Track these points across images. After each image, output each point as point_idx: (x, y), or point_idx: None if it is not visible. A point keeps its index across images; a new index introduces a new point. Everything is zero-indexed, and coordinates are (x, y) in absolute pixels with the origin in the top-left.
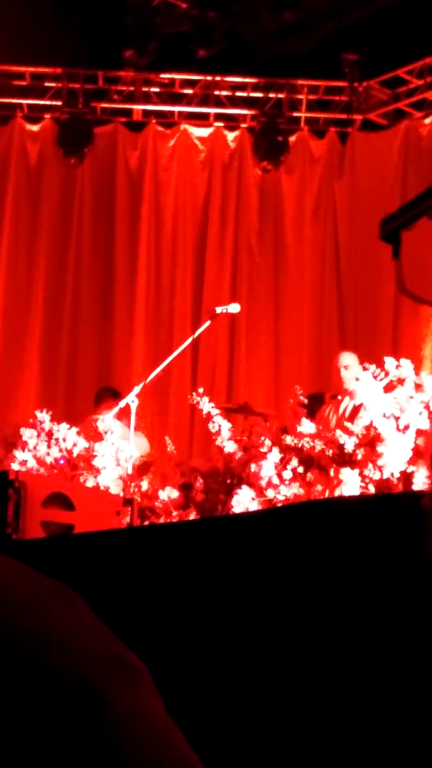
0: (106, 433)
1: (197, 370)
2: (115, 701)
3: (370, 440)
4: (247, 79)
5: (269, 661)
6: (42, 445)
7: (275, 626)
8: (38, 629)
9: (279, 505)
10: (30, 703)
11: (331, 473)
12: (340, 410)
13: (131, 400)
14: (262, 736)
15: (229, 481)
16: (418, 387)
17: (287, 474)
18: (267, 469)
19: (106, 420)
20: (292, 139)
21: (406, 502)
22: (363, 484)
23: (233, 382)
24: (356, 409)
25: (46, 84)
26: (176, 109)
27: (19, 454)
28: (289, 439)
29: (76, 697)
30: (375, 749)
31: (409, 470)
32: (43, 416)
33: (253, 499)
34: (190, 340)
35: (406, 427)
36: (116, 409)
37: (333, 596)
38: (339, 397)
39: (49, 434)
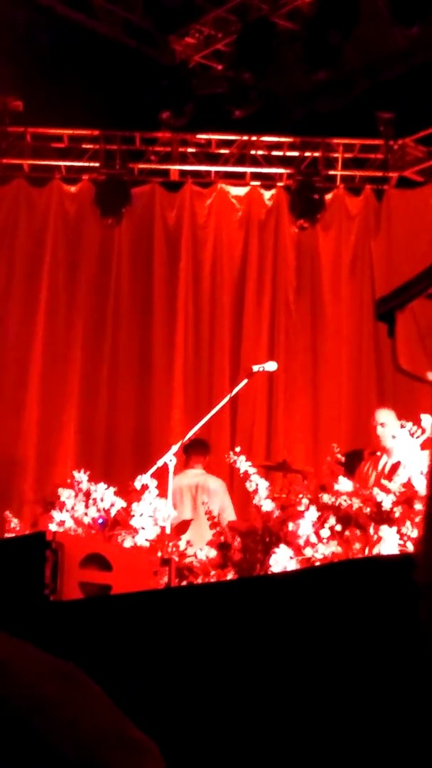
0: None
1: (236, 428)
2: None
3: (408, 498)
4: (283, 139)
5: (313, 719)
6: (80, 505)
7: (317, 684)
8: (44, 710)
9: (317, 563)
10: None
11: (371, 531)
12: (379, 467)
13: (169, 459)
14: None
15: (267, 539)
16: None
17: (325, 532)
18: (305, 527)
19: (144, 479)
20: (329, 197)
21: None
22: (401, 542)
23: (272, 439)
24: (395, 467)
25: (84, 146)
26: (213, 168)
27: (56, 515)
28: (326, 498)
29: None
30: None
31: None
32: (81, 476)
33: (291, 557)
34: (227, 399)
35: None
36: (154, 468)
37: (374, 654)
38: (378, 454)
39: (87, 494)
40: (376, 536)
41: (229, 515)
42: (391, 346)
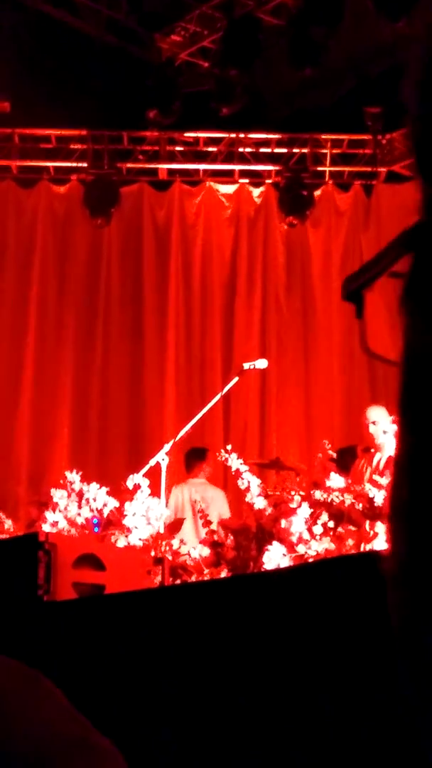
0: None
1: (229, 426)
2: None
3: None
4: (271, 135)
5: (309, 716)
6: (72, 505)
7: (311, 682)
8: (1, 715)
9: (310, 560)
10: None
11: (366, 527)
12: (374, 463)
13: (161, 458)
14: None
15: (259, 537)
16: None
17: (318, 529)
18: (297, 524)
19: (136, 478)
20: (317, 193)
21: None
22: None
23: (265, 437)
24: (389, 462)
25: (72, 146)
26: (201, 167)
27: (49, 515)
28: (318, 494)
29: None
30: None
31: None
32: (73, 477)
33: (284, 555)
34: (218, 397)
35: None
36: (147, 467)
37: (369, 650)
38: (372, 451)
39: (80, 494)
40: (370, 532)
41: None
42: (359, 327)
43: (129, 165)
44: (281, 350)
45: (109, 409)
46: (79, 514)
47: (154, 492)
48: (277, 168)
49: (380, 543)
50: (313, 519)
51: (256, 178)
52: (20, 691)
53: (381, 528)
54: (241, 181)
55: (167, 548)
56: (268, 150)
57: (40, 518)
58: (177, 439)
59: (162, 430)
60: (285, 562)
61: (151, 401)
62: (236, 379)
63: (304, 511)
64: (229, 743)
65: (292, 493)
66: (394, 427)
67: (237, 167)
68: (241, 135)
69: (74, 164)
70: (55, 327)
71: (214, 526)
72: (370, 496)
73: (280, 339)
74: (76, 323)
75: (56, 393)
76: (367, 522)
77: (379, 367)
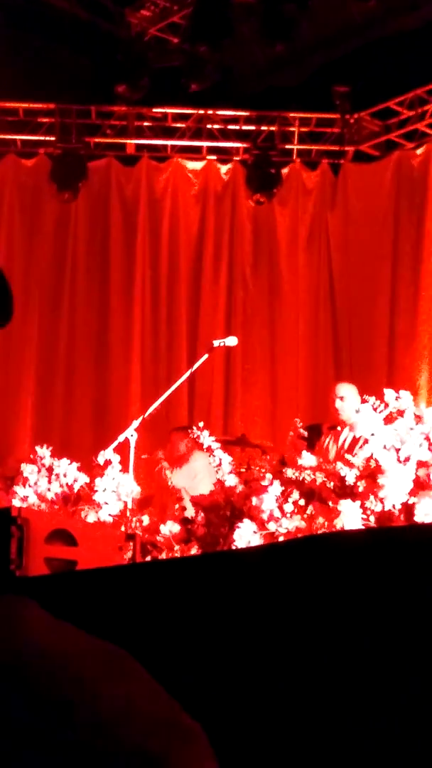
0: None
1: (194, 403)
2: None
3: (371, 472)
4: (239, 113)
5: (276, 698)
6: (42, 480)
7: (278, 663)
8: (93, 698)
9: (281, 538)
10: None
11: (334, 505)
12: (339, 441)
13: (130, 434)
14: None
15: (230, 514)
16: (418, 418)
17: (288, 507)
18: (268, 502)
19: (107, 454)
20: (285, 171)
21: (407, 538)
22: (364, 516)
23: (229, 413)
24: (356, 441)
25: (40, 119)
26: (169, 143)
27: (19, 490)
28: (290, 472)
29: (138, 766)
30: None
31: (410, 502)
32: (44, 452)
33: (254, 532)
34: (188, 374)
35: (407, 459)
36: (116, 443)
37: (335, 633)
38: (338, 428)
39: (50, 470)
40: (339, 511)
41: None
42: None
43: (97, 140)
44: (247, 327)
45: (75, 384)
46: (49, 489)
47: (124, 468)
48: (245, 145)
49: (350, 521)
50: (284, 497)
51: (224, 154)
52: (109, 670)
53: (351, 506)
54: (209, 157)
55: (137, 524)
56: (236, 127)
57: (8, 493)
58: (145, 415)
59: (128, 404)
60: (255, 539)
61: (116, 376)
62: (206, 356)
63: (275, 489)
64: (206, 724)
65: (262, 471)
66: (365, 406)
67: (205, 144)
68: (210, 112)
69: (42, 138)
70: (20, 302)
71: (186, 503)
72: (342, 474)
73: (246, 316)
74: (42, 298)
75: (21, 367)
76: (331, 501)
77: (344, 345)
